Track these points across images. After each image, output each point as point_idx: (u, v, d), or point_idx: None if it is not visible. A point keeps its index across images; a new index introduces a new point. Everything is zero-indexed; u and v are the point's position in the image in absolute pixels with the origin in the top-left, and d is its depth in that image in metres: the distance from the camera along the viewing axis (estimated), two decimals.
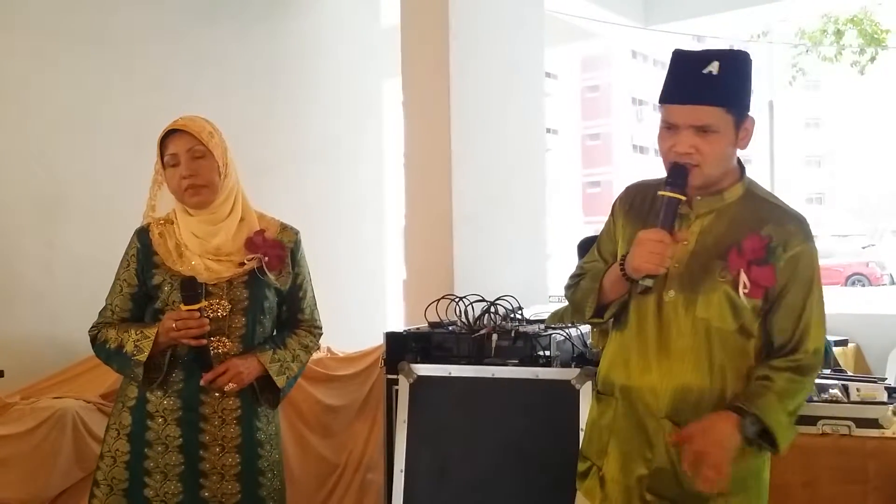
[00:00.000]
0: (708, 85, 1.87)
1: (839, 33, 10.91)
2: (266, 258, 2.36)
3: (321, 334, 2.58)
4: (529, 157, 4.63)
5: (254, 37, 5.25)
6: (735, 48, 1.98)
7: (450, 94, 4.03)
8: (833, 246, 31.65)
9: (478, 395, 2.97)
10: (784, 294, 1.90)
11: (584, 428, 2.18)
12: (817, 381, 2.90)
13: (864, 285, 24.18)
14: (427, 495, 2.96)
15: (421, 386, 3.03)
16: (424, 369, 3.05)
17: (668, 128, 1.92)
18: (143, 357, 2.23)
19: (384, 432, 3.25)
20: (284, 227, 2.48)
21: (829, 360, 3.63)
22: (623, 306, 2.03)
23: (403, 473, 2.97)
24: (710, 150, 1.88)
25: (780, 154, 25.11)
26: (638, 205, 2.03)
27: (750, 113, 1.93)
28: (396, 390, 3.08)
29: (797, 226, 1.93)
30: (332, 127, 5.69)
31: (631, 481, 1.96)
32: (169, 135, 2.32)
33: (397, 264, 5.80)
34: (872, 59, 10.85)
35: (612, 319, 2.08)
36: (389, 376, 3.20)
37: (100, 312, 2.39)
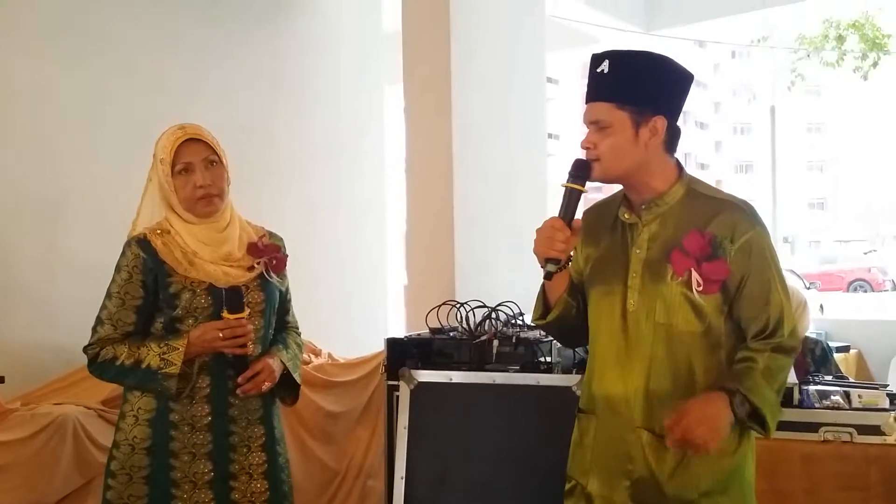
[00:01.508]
0: (599, 83, 1.95)
1: (841, 38, 10.90)
2: (273, 261, 2.38)
3: (301, 335, 2.61)
4: (531, 162, 4.63)
5: (255, 40, 5.25)
6: (630, 48, 2.02)
7: (451, 100, 4.04)
8: (835, 251, 31.65)
9: (479, 402, 2.96)
10: (744, 284, 1.91)
11: None
12: (819, 387, 2.90)
13: (865, 291, 24.15)
14: (427, 502, 2.96)
15: (422, 392, 3.03)
16: (425, 375, 3.04)
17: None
18: (175, 370, 2.19)
19: (385, 438, 3.25)
20: (271, 234, 2.49)
21: (830, 366, 3.62)
22: (570, 318, 2.08)
23: (404, 480, 2.97)
24: (604, 146, 1.93)
25: (781, 159, 25.12)
26: (594, 223, 2.06)
27: (661, 114, 1.94)
28: (397, 396, 3.08)
29: (740, 214, 1.93)
30: (333, 132, 5.69)
31: (615, 496, 1.97)
32: (183, 143, 2.30)
33: (398, 270, 5.81)
34: (875, 65, 10.84)
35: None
36: (390, 382, 3.19)
37: (94, 329, 2.31)
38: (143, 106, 4.49)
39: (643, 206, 1.99)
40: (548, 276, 1.97)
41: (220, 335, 2.21)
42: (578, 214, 2.01)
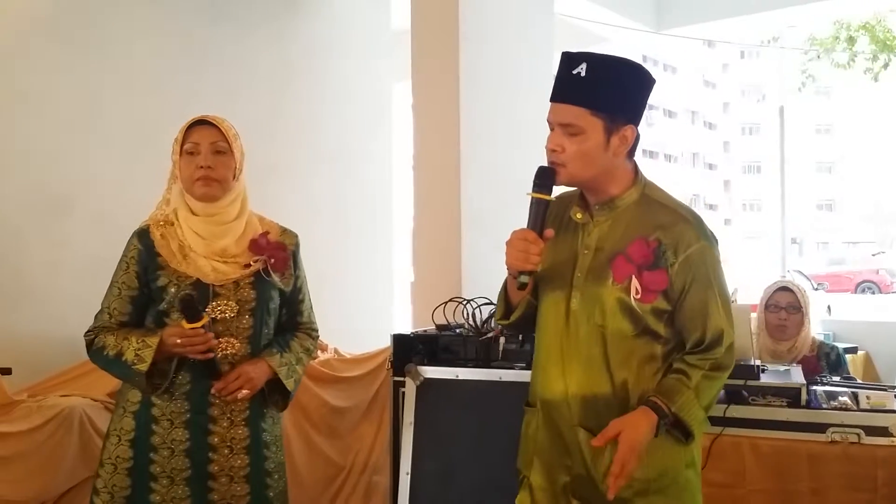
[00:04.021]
0: (574, 85, 1.91)
1: (851, 40, 10.86)
2: (272, 260, 2.36)
3: (318, 337, 2.57)
4: (538, 160, 4.61)
5: (261, 38, 5.25)
6: (613, 55, 1.98)
7: (459, 98, 4.03)
8: (843, 253, 31.59)
9: (484, 399, 2.96)
10: (685, 295, 1.92)
11: None
12: (827, 388, 2.89)
13: (873, 293, 24.09)
14: (433, 498, 2.96)
15: (428, 388, 3.03)
16: (431, 372, 3.04)
17: (550, 127, 1.97)
18: (144, 367, 2.20)
19: (390, 434, 3.25)
20: (285, 230, 2.47)
21: (841, 369, 3.61)
22: (531, 314, 2.09)
23: (409, 476, 2.97)
24: (573, 151, 1.91)
25: (790, 160, 25.03)
26: (550, 220, 2.03)
27: (632, 123, 1.93)
28: (403, 392, 3.08)
29: (687, 226, 1.94)
30: (341, 129, 5.69)
31: (556, 488, 1.99)
32: (194, 125, 2.32)
33: (405, 266, 5.81)
34: (885, 66, 10.80)
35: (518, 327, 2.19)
36: (396, 378, 3.19)
37: (96, 316, 2.34)
38: (146, 105, 4.50)
39: (596, 207, 2.00)
40: (522, 287, 1.96)
41: (178, 342, 2.20)
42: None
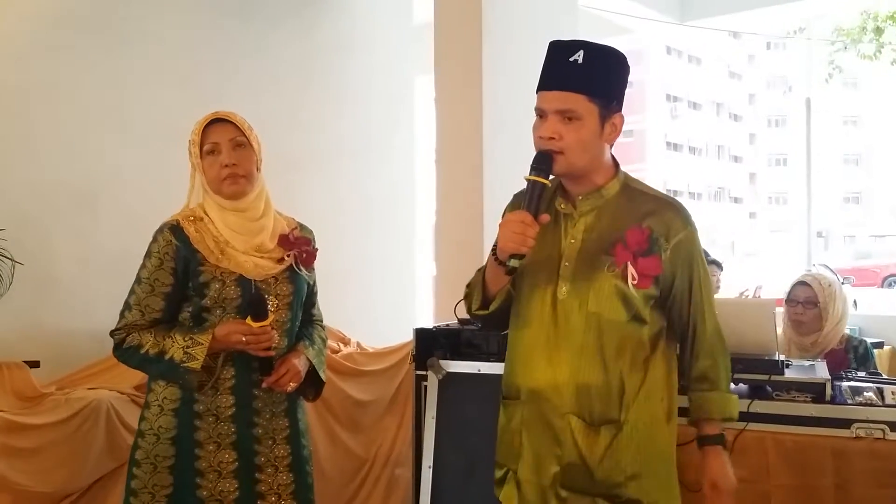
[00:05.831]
0: (572, 72, 1.95)
1: (879, 30, 10.72)
2: (304, 255, 2.39)
3: (325, 328, 2.63)
4: None
5: (286, 33, 5.27)
6: (608, 45, 2.04)
7: (482, 91, 4.03)
8: (870, 246, 31.19)
9: None
10: (674, 280, 2.00)
11: None
12: (852, 383, 2.86)
13: None
14: (455, 491, 2.96)
15: (450, 382, 3.03)
16: (454, 366, 3.05)
17: (539, 115, 2.00)
18: (196, 364, 2.20)
19: (413, 428, 3.26)
20: (302, 226, 2.50)
21: (869, 362, 3.58)
22: (507, 306, 2.10)
23: (431, 469, 2.97)
24: (572, 137, 1.94)
25: (817, 152, 24.77)
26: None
27: (620, 111, 1.99)
28: (425, 386, 3.09)
29: (675, 213, 2.01)
30: (364, 123, 5.70)
31: (545, 480, 2.01)
32: (210, 124, 2.33)
33: (428, 260, 5.81)
34: None
35: (503, 320, 2.17)
36: (418, 372, 3.20)
37: (122, 314, 2.33)
38: (172, 100, 4.53)
39: (580, 198, 2.03)
40: (511, 272, 1.97)
41: (244, 339, 2.22)
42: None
